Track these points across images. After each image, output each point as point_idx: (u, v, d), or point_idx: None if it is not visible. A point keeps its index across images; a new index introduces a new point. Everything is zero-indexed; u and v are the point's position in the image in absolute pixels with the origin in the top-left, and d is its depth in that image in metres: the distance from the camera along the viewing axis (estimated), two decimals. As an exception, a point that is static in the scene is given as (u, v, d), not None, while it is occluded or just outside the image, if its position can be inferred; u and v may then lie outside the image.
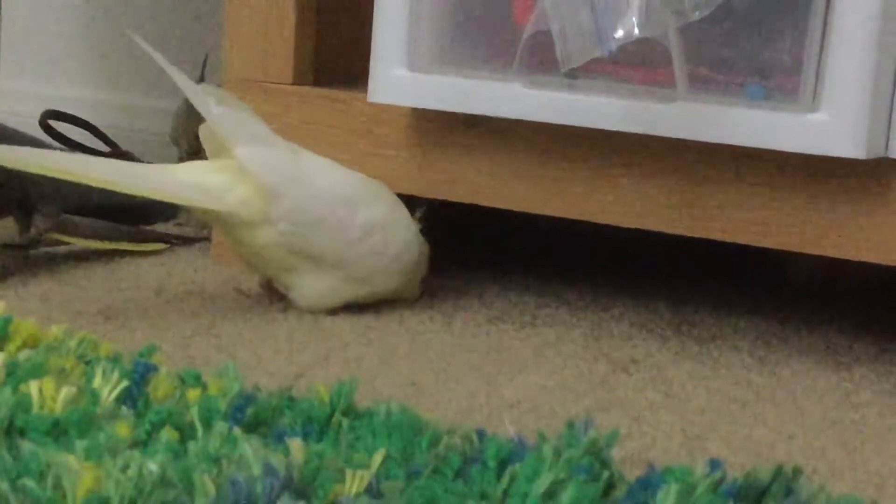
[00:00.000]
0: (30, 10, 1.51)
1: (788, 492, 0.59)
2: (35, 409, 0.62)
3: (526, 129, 0.93)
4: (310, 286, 0.91)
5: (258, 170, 0.88)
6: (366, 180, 0.94)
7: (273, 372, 0.78)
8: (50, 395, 0.62)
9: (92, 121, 1.32)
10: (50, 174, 0.85)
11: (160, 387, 0.66)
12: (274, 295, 0.94)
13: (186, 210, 1.03)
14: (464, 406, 0.75)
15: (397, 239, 0.93)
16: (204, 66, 1.17)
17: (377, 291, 0.94)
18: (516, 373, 0.82)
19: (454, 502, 0.54)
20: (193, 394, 0.65)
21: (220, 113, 0.89)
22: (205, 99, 0.89)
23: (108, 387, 0.65)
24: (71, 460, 0.53)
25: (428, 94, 0.93)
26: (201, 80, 1.13)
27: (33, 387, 0.63)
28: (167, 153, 1.19)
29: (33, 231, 1.00)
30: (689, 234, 0.90)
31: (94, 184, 0.86)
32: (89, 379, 0.66)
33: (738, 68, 0.85)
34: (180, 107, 1.17)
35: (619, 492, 0.57)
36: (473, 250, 1.15)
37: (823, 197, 0.86)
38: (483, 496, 0.56)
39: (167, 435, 0.60)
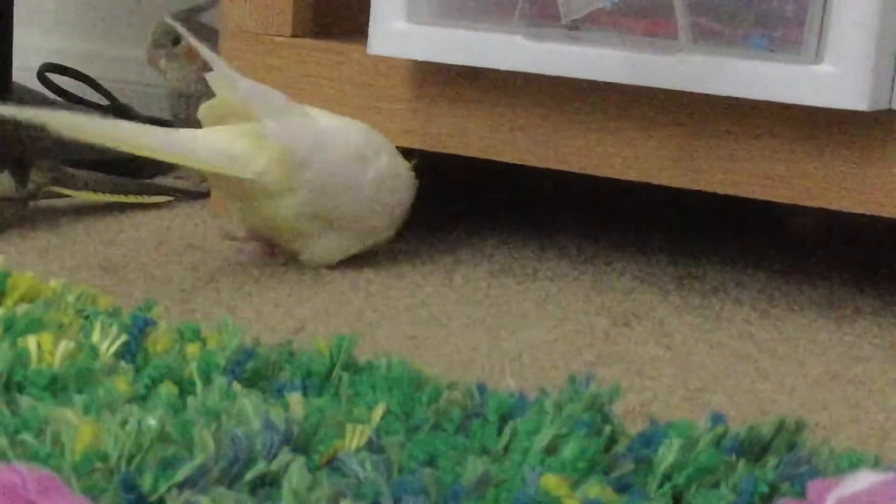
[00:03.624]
0: (27, -39, 1.49)
1: (791, 446, 0.59)
2: (33, 364, 0.61)
3: (527, 82, 0.93)
4: (321, 247, 0.91)
5: (288, 143, 0.87)
6: (368, 131, 0.94)
7: (273, 326, 0.78)
8: (48, 350, 0.62)
9: (90, 73, 1.32)
10: (71, 135, 0.84)
11: (159, 341, 0.66)
12: (270, 252, 0.93)
13: (203, 177, 1.01)
14: (464, 360, 0.75)
15: (400, 186, 0.94)
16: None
17: (380, 240, 0.94)
18: (517, 327, 0.81)
19: (455, 457, 0.54)
20: (193, 348, 0.65)
21: (248, 87, 0.88)
22: (230, 72, 0.88)
23: (107, 341, 0.65)
24: (69, 415, 0.53)
25: (428, 47, 0.92)
26: None
27: (31, 341, 0.62)
28: (165, 106, 1.18)
29: (30, 185, 0.99)
30: (691, 187, 0.90)
31: (117, 147, 0.85)
32: (88, 333, 0.66)
33: (740, 20, 0.84)
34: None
35: (621, 446, 0.57)
36: (474, 204, 1.14)
37: (826, 149, 0.86)
38: (484, 451, 0.56)
39: (166, 390, 0.60)
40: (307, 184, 0.88)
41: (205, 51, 0.88)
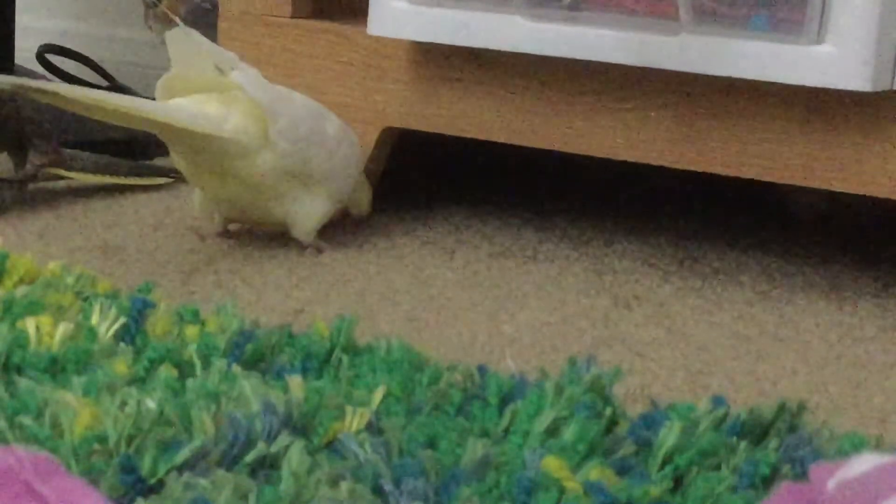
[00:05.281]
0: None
1: (792, 428, 0.59)
2: (32, 346, 0.61)
3: (528, 63, 0.92)
4: (305, 213, 0.90)
5: (257, 93, 0.88)
6: (309, 96, 0.94)
7: (272, 308, 0.78)
8: (47, 332, 0.62)
9: (89, 55, 1.31)
10: (66, 107, 0.84)
11: (158, 323, 0.66)
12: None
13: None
14: (465, 342, 0.74)
15: (354, 144, 0.95)
16: None
17: (345, 199, 0.95)
18: (518, 308, 0.81)
19: (455, 439, 0.54)
20: (192, 330, 0.65)
21: (207, 43, 0.89)
22: (190, 30, 0.89)
23: (106, 323, 0.64)
24: (68, 397, 0.52)
25: (428, 27, 0.92)
26: None
27: (30, 323, 0.62)
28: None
29: (29, 166, 0.99)
30: (692, 169, 0.90)
31: (94, 114, 0.84)
32: (87, 315, 0.66)
33: (742, 0, 0.84)
34: None
35: (622, 429, 0.57)
36: (476, 185, 1.14)
37: (828, 130, 0.86)
38: (484, 433, 0.56)
39: (165, 372, 0.59)
40: (281, 134, 0.88)
41: (169, 13, 0.88)
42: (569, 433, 0.55)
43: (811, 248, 1.00)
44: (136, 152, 1.12)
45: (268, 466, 0.52)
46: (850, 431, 0.60)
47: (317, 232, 0.91)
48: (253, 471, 0.51)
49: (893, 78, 0.82)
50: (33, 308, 0.66)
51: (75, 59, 1.30)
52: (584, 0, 0.85)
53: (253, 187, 0.89)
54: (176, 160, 0.91)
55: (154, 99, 0.91)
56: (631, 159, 0.91)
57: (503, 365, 0.69)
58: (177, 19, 0.89)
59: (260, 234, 0.94)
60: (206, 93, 0.88)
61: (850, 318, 0.84)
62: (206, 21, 1.19)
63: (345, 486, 0.49)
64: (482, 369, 0.62)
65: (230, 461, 0.51)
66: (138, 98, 0.89)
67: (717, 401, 0.59)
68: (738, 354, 0.76)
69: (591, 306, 0.83)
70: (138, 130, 0.92)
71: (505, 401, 0.59)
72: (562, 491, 0.50)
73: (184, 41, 0.88)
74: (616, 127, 0.91)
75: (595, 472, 0.52)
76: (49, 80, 1.27)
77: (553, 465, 0.51)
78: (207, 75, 0.89)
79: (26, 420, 0.52)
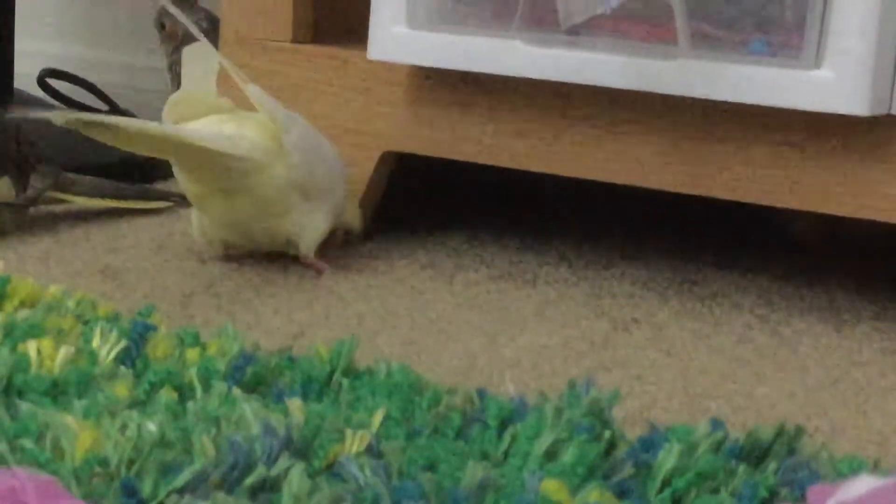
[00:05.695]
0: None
1: (790, 451, 0.59)
2: (33, 369, 0.61)
3: (526, 87, 0.93)
4: (310, 226, 0.91)
5: (271, 106, 0.90)
6: None
7: (273, 331, 0.78)
8: (48, 355, 0.62)
9: (90, 79, 1.32)
10: (94, 136, 0.84)
11: (159, 346, 0.66)
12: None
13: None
14: (464, 365, 0.74)
15: (342, 162, 0.96)
16: None
17: (340, 216, 0.96)
18: (517, 332, 0.81)
19: (455, 462, 0.54)
20: (192, 354, 0.65)
21: (223, 59, 0.91)
22: (209, 44, 0.90)
23: (107, 347, 0.65)
24: (69, 420, 0.53)
25: (428, 52, 0.92)
26: None
27: (31, 347, 0.62)
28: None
29: (30, 191, 0.99)
30: (690, 193, 0.90)
31: (121, 143, 0.85)
32: (88, 339, 0.66)
33: (740, 25, 0.84)
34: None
35: (621, 451, 0.57)
36: (476, 208, 1.14)
37: (826, 154, 0.86)
38: (484, 456, 0.56)
39: (166, 395, 0.60)
40: (293, 145, 0.89)
41: (191, 26, 0.89)
42: (568, 456, 0.55)
43: (810, 272, 1.00)
44: (135, 176, 1.13)
45: (268, 489, 0.52)
46: (848, 454, 0.60)
47: (317, 251, 0.91)
48: (253, 493, 0.51)
49: (891, 102, 0.83)
50: (34, 331, 0.66)
51: (76, 84, 1.30)
52: (582, 25, 0.86)
53: (262, 203, 0.89)
54: (184, 185, 0.91)
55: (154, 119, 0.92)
56: (630, 183, 0.92)
57: (503, 388, 0.69)
58: (199, 34, 0.89)
59: (259, 257, 0.94)
60: (210, 115, 0.90)
61: (849, 342, 0.84)
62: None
63: (345, 508, 0.49)
64: (481, 392, 0.62)
65: (231, 484, 0.51)
66: (166, 125, 0.90)
67: (716, 423, 0.59)
68: (737, 377, 0.76)
69: (591, 329, 0.83)
70: (139, 154, 0.92)
71: (504, 424, 0.59)
72: (561, 513, 0.51)
73: (200, 57, 0.90)
74: (615, 151, 0.91)
75: (594, 494, 0.52)
76: (49, 103, 1.28)
77: (552, 487, 0.51)
78: (212, 98, 0.91)
79: (27, 443, 0.52)
